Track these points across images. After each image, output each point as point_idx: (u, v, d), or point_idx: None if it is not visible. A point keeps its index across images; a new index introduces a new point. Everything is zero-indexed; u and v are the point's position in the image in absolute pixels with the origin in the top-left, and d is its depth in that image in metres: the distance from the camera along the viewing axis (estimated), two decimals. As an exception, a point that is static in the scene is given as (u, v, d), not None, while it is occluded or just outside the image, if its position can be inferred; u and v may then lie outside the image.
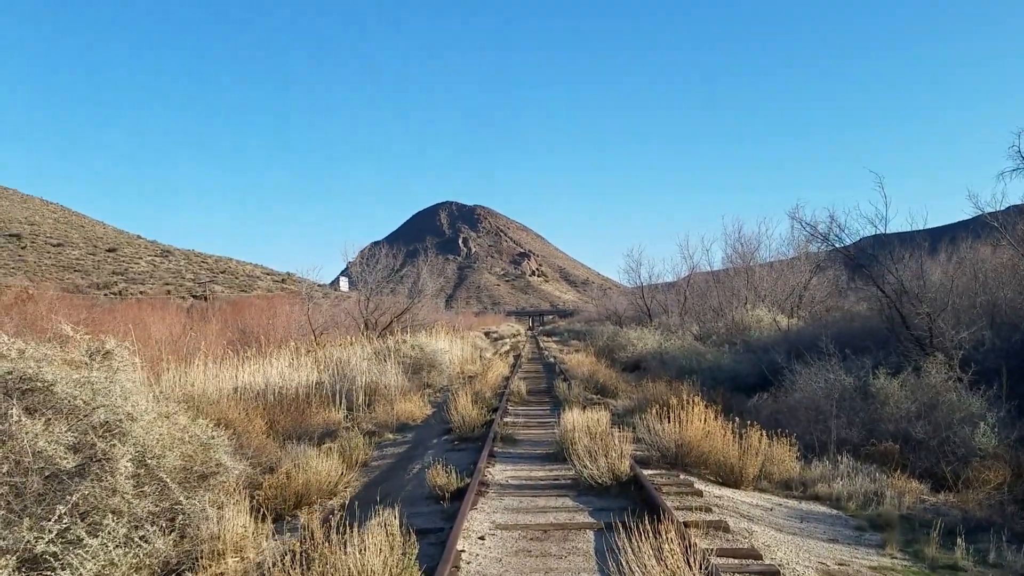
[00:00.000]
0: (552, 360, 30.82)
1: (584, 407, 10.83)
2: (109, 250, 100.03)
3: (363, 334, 28.94)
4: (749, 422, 8.81)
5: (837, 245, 17.30)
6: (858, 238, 17.51)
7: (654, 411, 8.76)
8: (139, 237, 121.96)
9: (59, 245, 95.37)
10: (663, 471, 8.22)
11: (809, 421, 10.26)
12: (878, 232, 16.76)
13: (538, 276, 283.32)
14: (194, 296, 73.42)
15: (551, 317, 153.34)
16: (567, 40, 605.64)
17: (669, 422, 8.53)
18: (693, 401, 8.52)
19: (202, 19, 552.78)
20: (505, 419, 12.29)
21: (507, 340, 60.03)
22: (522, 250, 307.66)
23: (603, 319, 63.96)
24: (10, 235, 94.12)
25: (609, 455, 7.02)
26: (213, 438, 6.18)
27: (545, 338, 70.24)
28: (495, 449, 9.59)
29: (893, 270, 15.40)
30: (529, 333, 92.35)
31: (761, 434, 8.16)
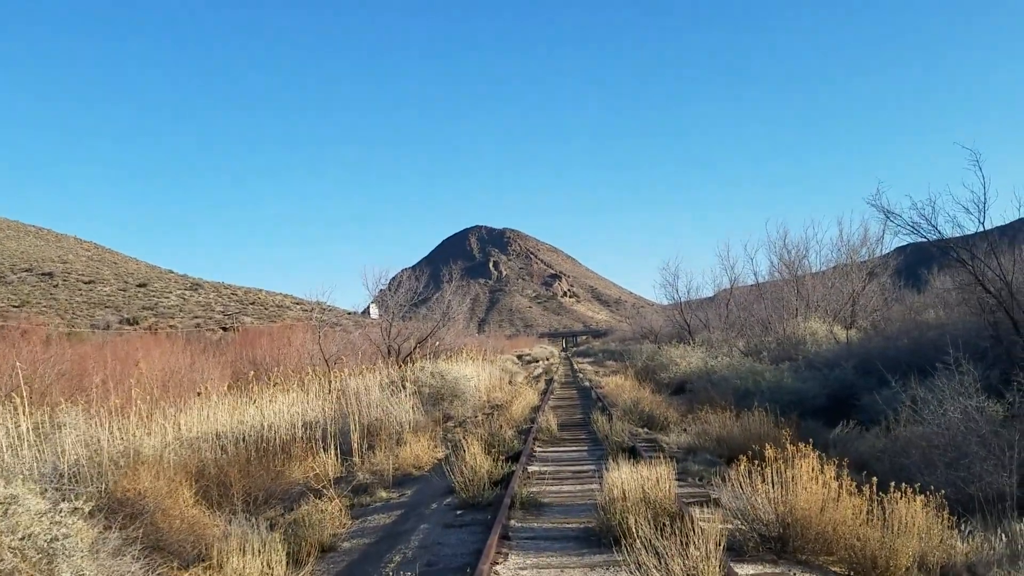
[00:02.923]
0: (587, 384, 28.31)
1: (632, 451, 8.48)
2: (140, 285, 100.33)
3: (385, 362, 26.94)
4: (839, 460, 6.36)
5: (930, 237, 14.57)
6: (955, 228, 14.73)
7: (742, 466, 6.13)
8: (170, 271, 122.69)
9: (90, 282, 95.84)
10: (767, 567, 5.66)
11: (939, 464, 7.66)
12: (978, 221, 13.98)
13: (570, 297, 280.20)
14: (223, 328, 72.60)
15: (584, 337, 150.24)
16: (596, 61, 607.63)
17: (763, 480, 5.96)
18: (798, 449, 5.98)
19: (231, 46, 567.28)
20: (530, 467, 9.73)
21: (539, 363, 57.57)
22: (553, 271, 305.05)
23: (639, 338, 61.20)
24: (43, 274, 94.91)
25: (688, 551, 4.47)
26: (58, 539, 3.97)
27: (579, 359, 67.58)
28: (511, 523, 6.92)
29: (998, 266, 12.71)
30: (562, 354, 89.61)
31: (909, 498, 5.53)
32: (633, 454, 9.71)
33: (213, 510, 6.99)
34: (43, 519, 4.07)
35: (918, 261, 35.26)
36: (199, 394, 12.76)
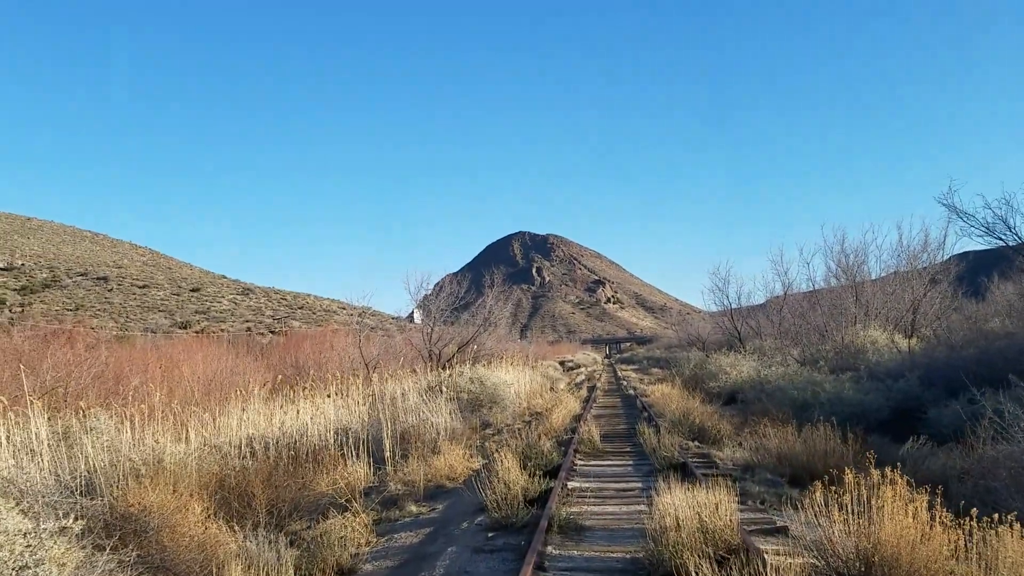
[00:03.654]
0: (632, 392, 27.39)
1: (682, 468, 7.71)
2: (193, 290, 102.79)
3: (426, 366, 26.59)
4: (911, 480, 5.51)
5: (1008, 241, 13.44)
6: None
7: (817, 494, 5.29)
8: (223, 277, 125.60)
9: (144, 287, 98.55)
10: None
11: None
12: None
13: (613, 303, 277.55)
14: (272, 332, 73.77)
15: (628, 344, 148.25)
16: (642, 67, 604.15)
17: (839, 508, 5.02)
18: (884, 476, 5.14)
19: (283, 54, 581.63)
20: (570, 483, 8.88)
21: (582, 369, 56.64)
22: (596, 277, 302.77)
23: (685, 345, 59.72)
24: (98, 278, 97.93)
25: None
26: (28, 567, 3.48)
27: (623, 366, 66.39)
28: (548, 550, 6.12)
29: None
30: (606, 361, 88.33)
31: (1014, 530, 4.69)
32: (684, 471, 8.96)
33: (233, 524, 6.53)
34: (16, 541, 3.61)
35: (977, 268, 33.49)
36: (226, 399, 12.46)
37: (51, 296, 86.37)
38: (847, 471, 5.07)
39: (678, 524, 5.06)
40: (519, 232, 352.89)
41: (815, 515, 4.91)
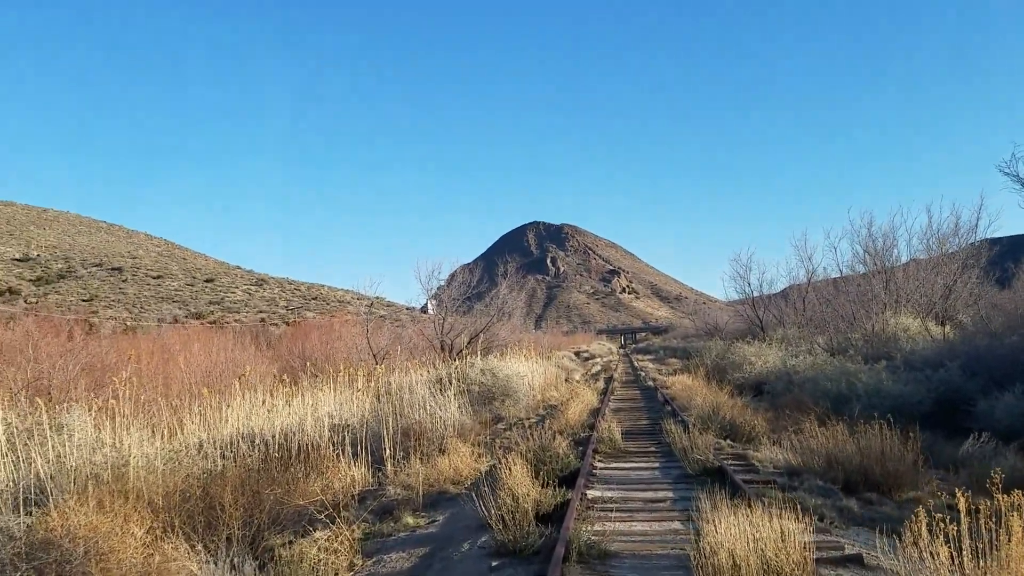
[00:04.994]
0: (651, 384, 26.29)
1: (719, 473, 6.64)
2: (207, 280, 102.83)
3: (438, 357, 25.70)
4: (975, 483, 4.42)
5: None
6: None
7: (920, 524, 4.01)
8: (237, 267, 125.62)
9: (159, 277, 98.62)
10: None
11: None
12: None
13: (629, 293, 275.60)
14: (286, 323, 73.42)
15: (644, 334, 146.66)
16: (656, 58, 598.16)
17: (942, 538, 3.85)
18: (1009, 496, 3.92)
19: (300, 43, 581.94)
20: (590, 491, 7.68)
21: (598, 360, 55.56)
22: (611, 267, 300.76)
23: (702, 335, 58.43)
24: (113, 268, 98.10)
25: None
26: None
27: (639, 356, 65.21)
28: None
29: None
30: (621, 351, 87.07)
31: None
32: (721, 478, 7.91)
33: (199, 541, 5.59)
34: None
35: (1004, 254, 32.11)
36: (221, 392, 11.54)
37: (66, 287, 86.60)
38: (960, 496, 3.91)
39: (734, 563, 3.98)
40: (534, 222, 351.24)
41: (914, 548, 3.74)
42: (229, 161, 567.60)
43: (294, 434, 9.49)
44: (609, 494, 7.76)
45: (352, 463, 9.16)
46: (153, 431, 8.82)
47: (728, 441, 10.61)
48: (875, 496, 7.03)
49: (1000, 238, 33.15)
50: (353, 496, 8.17)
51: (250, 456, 8.62)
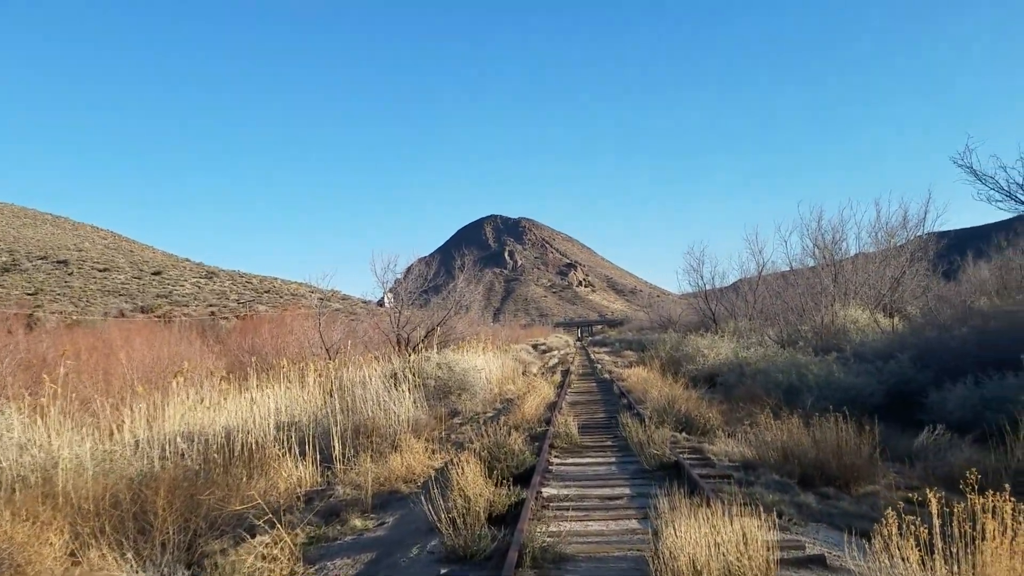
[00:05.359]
0: (607, 376, 26.34)
1: (675, 467, 6.53)
2: (155, 273, 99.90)
3: (395, 351, 25.28)
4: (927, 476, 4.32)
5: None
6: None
7: (893, 527, 3.67)
8: (186, 260, 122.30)
9: (105, 270, 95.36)
10: None
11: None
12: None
13: (585, 286, 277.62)
14: (237, 316, 71.63)
15: (600, 327, 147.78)
16: (606, 47, 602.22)
17: (908, 536, 3.50)
18: (985, 495, 3.65)
19: (253, 32, 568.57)
20: (545, 489, 7.43)
21: (555, 352, 55.69)
22: (568, 261, 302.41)
23: (656, 327, 59.06)
24: (58, 262, 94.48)
25: None
26: None
27: (596, 349, 65.57)
28: None
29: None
30: (578, 344, 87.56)
31: None
32: (678, 472, 7.82)
33: (129, 549, 5.22)
34: None
35: (951, 248, 33.13)
36: (164, 389, 11.03)
37: (10, 280, 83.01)
38: (933, 494, 3.73)
39: (695, 569, 3.79)
40: (491, 215, 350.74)
41: (884, 552, 3.56)
42: (181, 151, 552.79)
43: (238, 433, 9.09)
44: (565, 491, 7.54)
45: (299, 462, 8.82)
46: (87, 431, 8.35)
47: (684, 434, 10.55)
48: (832, 490, 7.00)
49: (947, 231, 34.20)
50: (299, 497, 7.84)
51: (189, 457, 8.22)
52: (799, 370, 15.02)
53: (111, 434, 8.65)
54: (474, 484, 5.79)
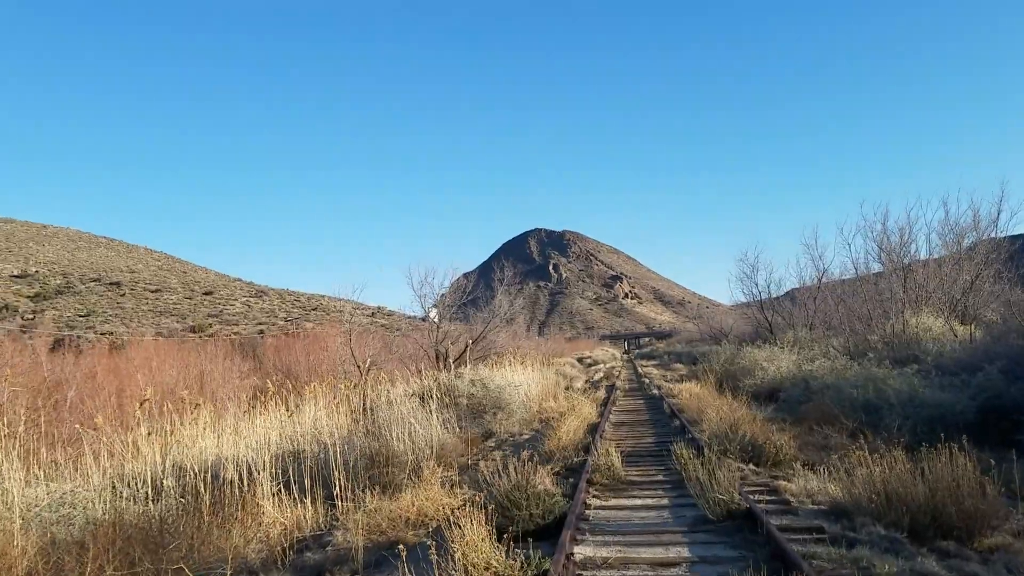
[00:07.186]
0: (656, 392, 24.61)
1: (748, 517, 5.03)
2: (206, 293, 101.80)
3: (433, 367, 24.19)
4: None
5: None
6: None
7: None
8: (237, 279, 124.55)
9: (157, 291, 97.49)
10: None
11: None
12: None
13: (631, 298, 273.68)
14: (285, 334, 71.94)
15: (648, 339, 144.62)
16: (656, 63, 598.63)
17: None
18: None
19: (301, 56, 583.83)
20: (578, 549, 5.79)
21: (600, 366, 53.91)
22: (614, 273, 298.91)
23: (707, 339, 56.77)
24: (111, 283, 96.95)
25: None
26: None
27: (643, 362, 63.39)
28: None
29: None
30: (624, 357, 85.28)
31: None
32: (751, 522, 6.23)
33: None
34: None
35: (1021, 251, 30.68)
36: (179, 414, 9.98)
37: (64, 302, 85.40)
38: None
39: None
40: (535, 229, 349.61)
41: None
42: (230, 172, 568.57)
43: (228, 465, 7.89)
44: (604, 553, 5.86)
45: (299, 501, 7.58)
46: (63, 469, 7.30)
47: (751, 465, 8.85)
48: (952, 545, 5.35)
49: (1019, 235, 31.62)
50: (291, 546, 6.59)
51: (169, 496, 7.04)
52: (876, 385, 13.23)
53: (83, 473, 7.57)
54: (478, 549, 4.41)
